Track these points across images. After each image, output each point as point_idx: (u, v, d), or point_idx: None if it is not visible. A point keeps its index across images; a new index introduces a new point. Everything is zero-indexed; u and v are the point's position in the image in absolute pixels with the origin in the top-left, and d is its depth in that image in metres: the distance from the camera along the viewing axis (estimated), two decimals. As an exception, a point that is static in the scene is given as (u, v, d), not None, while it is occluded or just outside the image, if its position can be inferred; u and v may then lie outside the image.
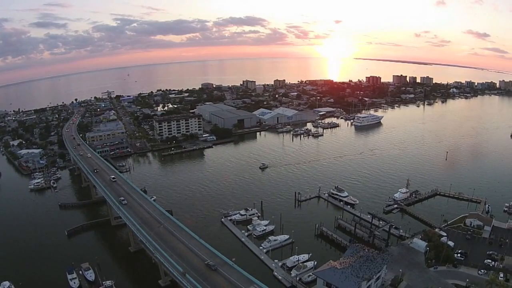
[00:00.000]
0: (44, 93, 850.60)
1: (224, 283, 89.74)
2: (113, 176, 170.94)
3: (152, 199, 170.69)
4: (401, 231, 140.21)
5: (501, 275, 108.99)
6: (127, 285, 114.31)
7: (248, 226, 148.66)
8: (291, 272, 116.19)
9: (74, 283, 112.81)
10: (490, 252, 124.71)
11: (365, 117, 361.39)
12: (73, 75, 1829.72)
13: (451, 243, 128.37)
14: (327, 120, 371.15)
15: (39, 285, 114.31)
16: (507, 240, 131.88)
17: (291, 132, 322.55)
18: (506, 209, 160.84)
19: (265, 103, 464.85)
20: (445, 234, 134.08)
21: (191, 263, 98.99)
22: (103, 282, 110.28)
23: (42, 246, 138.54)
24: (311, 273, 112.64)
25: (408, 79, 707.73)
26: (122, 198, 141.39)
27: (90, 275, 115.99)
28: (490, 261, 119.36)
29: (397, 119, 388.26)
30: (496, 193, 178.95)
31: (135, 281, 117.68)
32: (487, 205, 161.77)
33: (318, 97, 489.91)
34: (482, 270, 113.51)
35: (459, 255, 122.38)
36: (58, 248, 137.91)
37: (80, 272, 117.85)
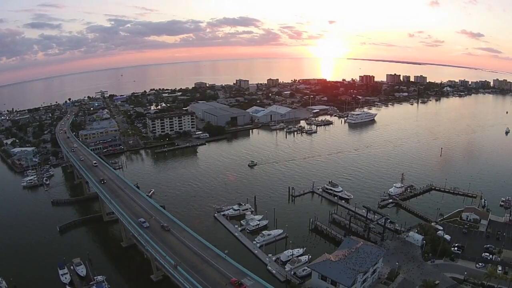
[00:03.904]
0: (38, 94, 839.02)
1: (216, 276, 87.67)
2: (94, 161, 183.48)
3: (151, 192, 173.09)
4: (396, 225, 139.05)
5: (499, 268, 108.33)
6: (119, 280, 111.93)
7: (241, 221, 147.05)
8: (285, 266, 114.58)
9: (65, 278, 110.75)
10: (488, 245, 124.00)
11: (358, 114, 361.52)
12: (67, 76, 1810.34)
13: (447, 237, 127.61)
14: (320, 118, 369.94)
15: (30, 281, 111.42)
16: (504, 234, 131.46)
17: (285, 130, 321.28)
18: (502, 203, 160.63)
19: (258, 101, 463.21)
20: (441, 228, 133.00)
21: (183, 256, 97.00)
22: (95, 277, 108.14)
23: (34, 242, 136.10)
24: (305, 267, 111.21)
25: (401, 78, 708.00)
26: (142, 219, 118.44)
27: (82, 271, 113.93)
28: (487, 254, 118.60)
29: (391, 117, 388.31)
30: (491, 188, 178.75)
31: (127, 276, 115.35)
32: (483, 200, 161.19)
33: (312, 96, 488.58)
34: (480, 264, 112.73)
35: (456, 248, 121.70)
36: (50, 244, 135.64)
37: (72, 267, 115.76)
